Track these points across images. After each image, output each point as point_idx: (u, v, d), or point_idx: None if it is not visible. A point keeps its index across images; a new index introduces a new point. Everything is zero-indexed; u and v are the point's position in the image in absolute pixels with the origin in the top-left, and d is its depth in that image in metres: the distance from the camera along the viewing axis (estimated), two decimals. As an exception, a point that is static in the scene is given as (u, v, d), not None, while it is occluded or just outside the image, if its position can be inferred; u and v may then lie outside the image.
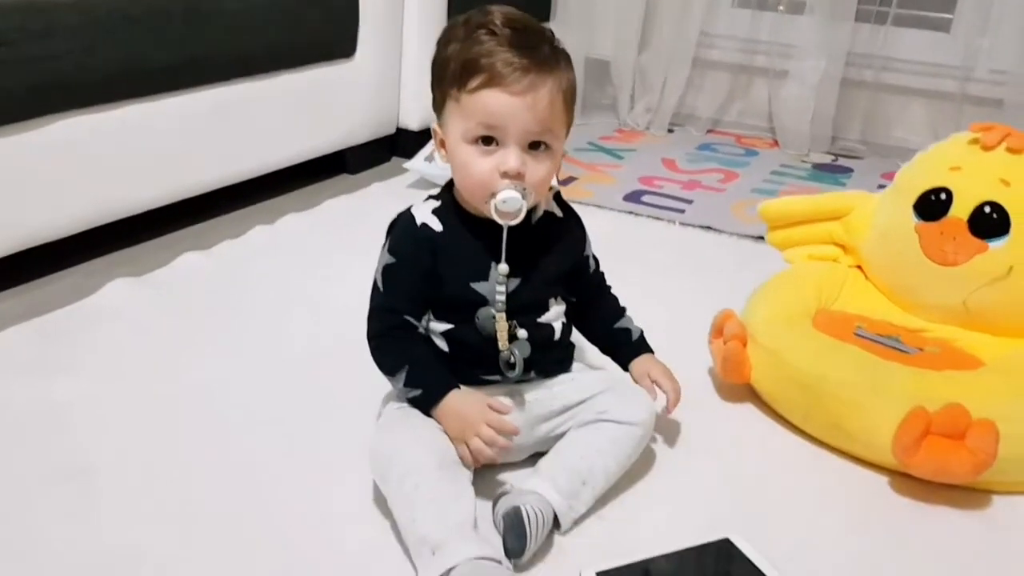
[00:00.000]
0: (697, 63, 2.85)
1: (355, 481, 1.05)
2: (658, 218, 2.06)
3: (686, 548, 0.97)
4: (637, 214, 2.08)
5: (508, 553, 0.91)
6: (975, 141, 1.32)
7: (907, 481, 1.12)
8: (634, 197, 2.19)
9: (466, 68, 0.96)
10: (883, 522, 1.07)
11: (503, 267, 1.02)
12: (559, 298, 1.11)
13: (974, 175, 1.29)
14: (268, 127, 1.94)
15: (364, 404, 1.17)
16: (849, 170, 2.56)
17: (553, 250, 1.08)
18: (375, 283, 1.05)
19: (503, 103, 0.95)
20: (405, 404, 1.05)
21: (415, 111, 2.35)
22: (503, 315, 1.03)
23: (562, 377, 1.12)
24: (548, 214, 1.09)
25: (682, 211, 2.10)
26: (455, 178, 1.03)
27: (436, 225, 1.04)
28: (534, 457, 1.08)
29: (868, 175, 2.48)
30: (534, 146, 0.98)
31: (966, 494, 1.11)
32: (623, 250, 1.81)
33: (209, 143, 1.80)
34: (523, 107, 0.95)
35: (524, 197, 0.97)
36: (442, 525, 0.89)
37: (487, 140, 0.97)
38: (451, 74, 0.98)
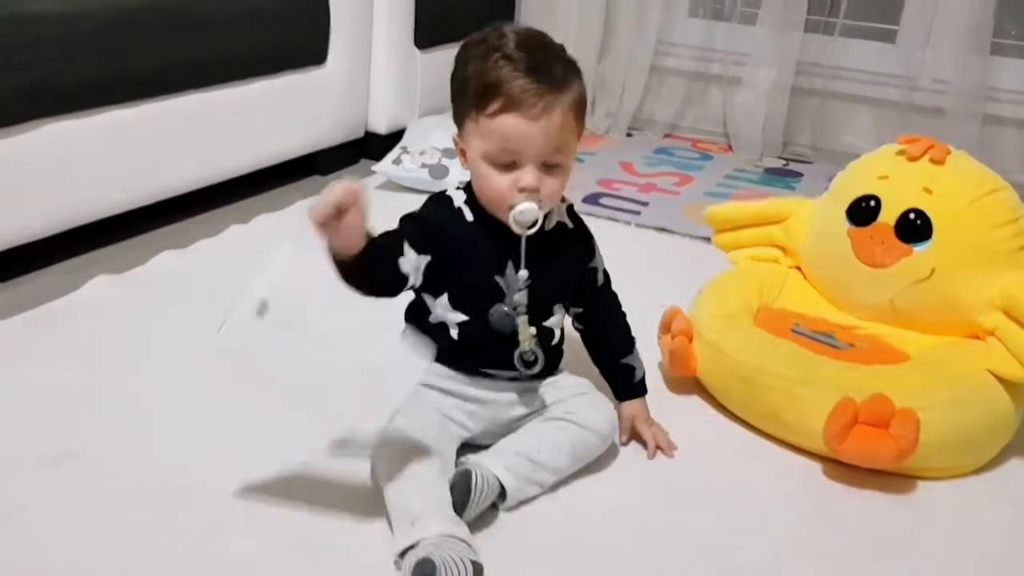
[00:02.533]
0: (655, 70, 2.91)
1: (322, 462, 1.13)
2: (615, 219, 2.13)
3: None
4: (596, 215, 2.12)
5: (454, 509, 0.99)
6: (902, 152, 1.39)
7: (837, 466, 1.20)
8: (593, 199, 2.26)
9: (485, 92, 1.01)
10: (814, 503, 1.15)
11: (523, 273, 1.08)
12: (562, 305, 1.18)
13: (900, 184, 1.35)
14: (243, 131, 1.98)
15: (334, 392, 1.22)
16: (799, 174, 2.62)
17: (562, 257, 1.14)
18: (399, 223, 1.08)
19: (519, 128, 1.00)
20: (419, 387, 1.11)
21: (383, 116, 2.41)
22: (525, 318, 1.10)
23: (549, 380, 1.18)
24: (560, 224, 1.15)
25: (638, 213, 2.17)
26: (475, 188, 1.09)
27: (468, 215, 1.10)
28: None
29: (817, 179, 2.53)
30: (549, 162, 1.04)
31: (892, 479, 1.19)
32: None
33: (186, 146, 1.85)
34: (538, 131, 1.01)
35: (540, 208, 1.03)
36: (423, 499, 0.98)
37: (506, 159, 1.03)
38: (471, 95, 1.03)
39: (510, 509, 1.08)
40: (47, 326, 1.42)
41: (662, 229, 2.09)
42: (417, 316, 1.16)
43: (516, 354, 1.11)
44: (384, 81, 2.36)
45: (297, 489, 1.09)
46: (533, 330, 1.11)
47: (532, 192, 1.03)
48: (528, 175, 1.02)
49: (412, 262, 1.06)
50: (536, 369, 1.12)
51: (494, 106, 1.01)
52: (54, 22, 1.53)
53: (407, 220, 1.09)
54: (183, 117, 1.82)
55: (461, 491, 1.00)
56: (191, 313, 1.48)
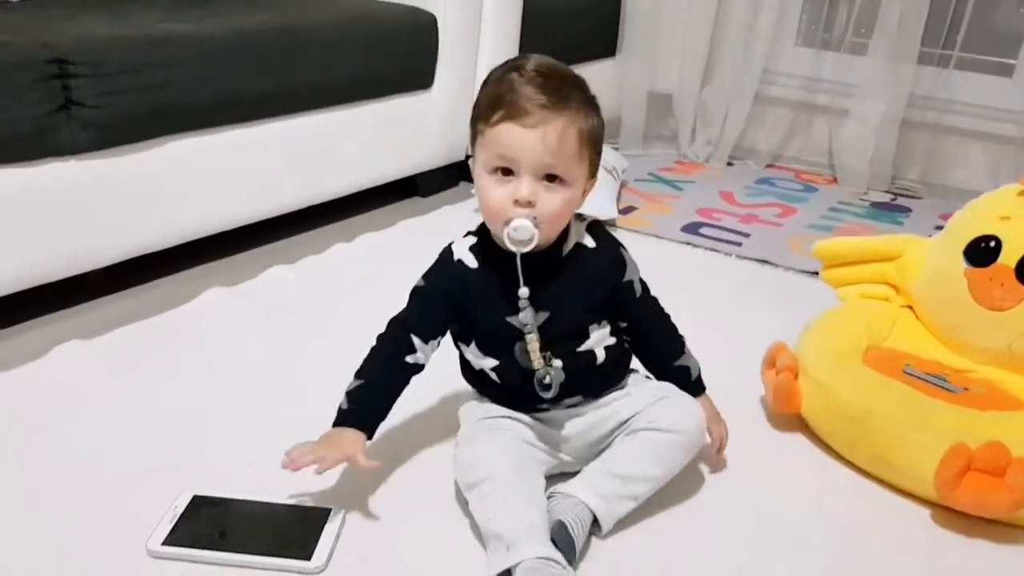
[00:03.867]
0: (759, 99, 2.88)
1: (429, 478, 1.15)
2: (715, 250, 2.10)
3: (285, 503, 1.08)
4: (695, 245, 2.13)
5: None
6: (1024, 193, 1.36)
7: (948, 514, 1.16)
8: (692, 228, 2.24)
9: (490, 104, 1.02)
10: (921, 549, 1.12)
11: (523, 291, 1.06)
12: (602, 323, 1.13)
13: (1022, 225, 1.31)
14: (351, 152, 2.04)
15: (439, 404, 1.25)
16: (908, 210, 2.56)
17: (584, 280, 1.11)
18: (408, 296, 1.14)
19: (516, 135, 1.00)
20: (486, 418, 1.13)
21: (485, 139, 2.44)
22: (533, 336, 1.08)
23: (617, 394, 1.17)
24: (579, 245, 1.12)
25: (739, 244, 2.15)
26: (481, 209, 1.08)
27: (471, 262, 1.11)
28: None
29: (926, 215, 2.49)
30: (550, 179, 1.02)
31: (1004, 529, 1.14)
32: (680, 280, 1.86)
33: (299, 165, 1.91)
34: (534, 139, 0.99)
35: (535, 226, 1.01)
36: (515, 525, 0.98)
37: (505, 171, 1.02)
38: (480, 111, 1.04)
39: (608, 535, 1.07)
40: (163, 335, 1.48)
41: (764, 261, 2.06)
42: (464, 366, 1.19)
43: (535, 378, 1.10)
44: (487, 105, 2.39)
45: (397, 506, 1.11)
46: (559, 363, 1.10)
47: (527, 207, 1.01)
48: (524, 186, 1.01)
49: (425, 350, 1.11)
50: (550, 394, 1.10)
51: (496, 115, 1.01)
52: (184, 43, 1.60)
53: (411, 303, 1.13)
54: (296, 137, 1.88)
55: (565, 545, 1.00)
56: (298, 326, 1.55)
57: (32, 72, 1.38)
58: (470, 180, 2.38)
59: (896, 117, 2.66)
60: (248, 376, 1.38)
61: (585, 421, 1.15)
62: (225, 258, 1.84)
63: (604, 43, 2.89)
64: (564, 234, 1.10)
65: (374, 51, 2.02)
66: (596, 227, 1.15)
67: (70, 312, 1.56)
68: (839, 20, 2.82)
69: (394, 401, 1.11)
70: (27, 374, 1.34)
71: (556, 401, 1.13)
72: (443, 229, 2.06)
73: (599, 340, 1.13)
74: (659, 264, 1.93)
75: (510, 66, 1.04)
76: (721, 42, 2.90)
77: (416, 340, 1.10)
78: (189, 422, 1.25)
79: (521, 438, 1.12)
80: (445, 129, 2.31)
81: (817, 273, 1.59)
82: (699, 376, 1.23)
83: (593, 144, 1.05)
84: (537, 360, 1.09)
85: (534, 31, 2.46)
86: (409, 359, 1.10)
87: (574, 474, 1.13)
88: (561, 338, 1.10)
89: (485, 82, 1.07)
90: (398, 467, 1.18)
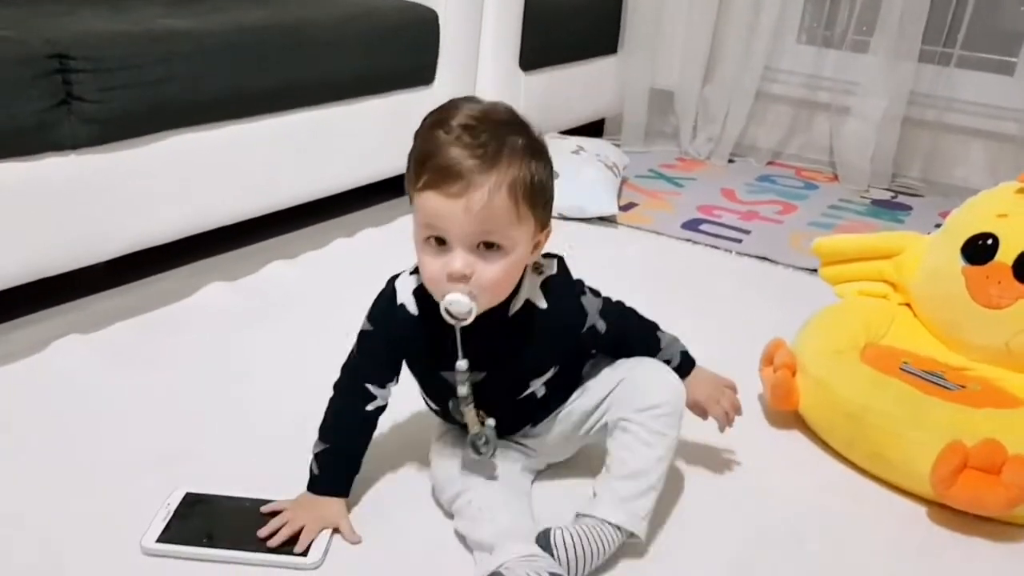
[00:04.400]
0: (760, 96, 2.88)
1: (423, 475, 1.15)
2: (715, 247, 2.10)
3: (280, 500, 1.06)
4: (695, 242, 2.13)
5: None
6: (1022, 191, 1.35)
7: (944, 511, 1.16)
8: (692, 225, 2.24)
9: (416, 167, 0.93)
10: (918, 549, 1.12)
11: (461, 364, 1.00)
12: (547, 372, 1.08)
13: (1020, 223, 1.32)
14: (353, 148, 2.04)
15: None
16: (908, 207, 2.56)
17: (530, 343, 1.04)
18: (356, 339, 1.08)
19: (440, 205, 0.90)
20: (450, 430, 1.14)
21: (485, 136, 2.44)
22: (470, 407, 1.04)
23: (574, 393, 1.13)
24: (529, 305, 1.03)
25: (739, 241, 2.15)
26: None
27: (412, 308, 1.03)
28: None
29: (927, 213, 2.48)
30: (488, 246, 0.93)
31: (1000, 527, 1.14)
32: (680, 277, 1.88)
33: (300, 161, 1.91)
34: (459, 209, 0.90)
35: (472, 299, 0.93)
36: (494, 530, 0.99)
37: (439, 240, 0.93)
38: (408, 172, 0.96)
39: (648, 538, 1.04)
40: (162, 330, 1.49)
41: (764, 258, 2.06)
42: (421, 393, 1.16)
43: (469, 439, 1.06)
44: (489, 102, 2.39)
45: (392, 503, 1.12)
46: (492, 422, 1.06)
47: (461, 280, 0.92)
48: (456, 259, 0.92)
49: (383, 393, 1.07)
50: (487, 454, 1.06)
51: (421, 181, 0.92)
52: (185, 39, 1.60)
53: (359, 347, 1.08)
54: (297, 133, 1.88)
55: (545, 548, 0.98)
56: (299, 322, 1.55)
57: (33, 67, 1.38)
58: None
59: (897, 115, 2.66)
60: (248, 372, 1.38)
61: (547, 425, 1.14)
62: (225, 253, 1.84)
63: (606, 40, 2.89)
64: (514, 290, 1.01)
65: (375, 47, 2.02)
66: (553, 279, 1.06)
67: (69, 307, 1.57)
68: (840, 18, 2.82)
69: (364, 451, 1.09)
70: (26, 368, 1.34)
71: (503, 437, 1.11)
72: (443, 225, 2.09)
73: (539, 384, 1.09)
74: (659, 260, 1.96)
75: (436, 119, 0.94)
76: (723, 39, 2.90)
77: (372, 388, 1.06)
78: (188, 418, 1.25)
79: None
80: (446, 125, 2.31)
81: (816, 270, 1.59)
82: (682, 359, 1.17)
83: (532, 196, 0.94)
84: (472, 422, 1.05)
85: (535, 27, 2.46)
86: (370, 407, 1.07)
87: (563, 464, 1.15)
88: (498, 395, 1.07)
89: (416, 135, 0.97)
90: (393, 464, 1.18)
